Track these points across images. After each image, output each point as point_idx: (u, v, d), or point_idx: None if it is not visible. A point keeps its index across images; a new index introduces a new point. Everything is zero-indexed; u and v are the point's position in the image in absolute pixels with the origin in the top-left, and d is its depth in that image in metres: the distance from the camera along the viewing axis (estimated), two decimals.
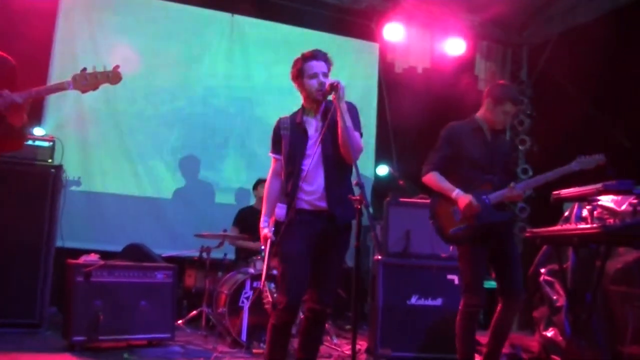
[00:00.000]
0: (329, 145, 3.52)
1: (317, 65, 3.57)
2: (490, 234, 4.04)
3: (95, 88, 3.22)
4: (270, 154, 3.73)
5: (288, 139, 3.61)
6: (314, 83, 3.55)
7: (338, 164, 3.54)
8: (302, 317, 3.64)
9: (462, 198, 3.97)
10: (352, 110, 3.62)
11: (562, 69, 7.56)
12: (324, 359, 4.85)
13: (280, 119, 3.73)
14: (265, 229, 3.57)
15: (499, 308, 4.15)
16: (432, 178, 4.16)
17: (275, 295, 3.22)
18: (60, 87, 3.18)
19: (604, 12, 7.24)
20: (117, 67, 3.24)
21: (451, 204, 4.06)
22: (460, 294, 4.12)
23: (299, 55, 3.70)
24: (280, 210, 3.52)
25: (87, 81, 3.18)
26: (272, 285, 3.28)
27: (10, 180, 5.15)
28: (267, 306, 3.31)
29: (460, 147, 4.13)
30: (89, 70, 3.18)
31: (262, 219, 3.64)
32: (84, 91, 3.21)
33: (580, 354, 4.42)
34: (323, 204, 3.51)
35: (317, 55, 3.60)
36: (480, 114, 4.23)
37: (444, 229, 4.13)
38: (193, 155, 7.45)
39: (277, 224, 3.53)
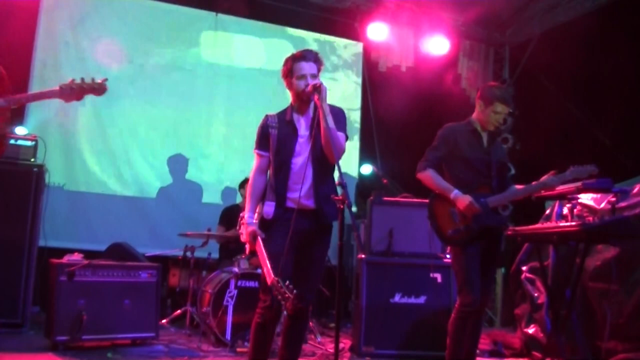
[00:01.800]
0: (318, 145, 3.53)
1: (306, 67, 3.57)
2: (483, 236, 4.04)
3: (79, 98, 3.28)
4: (255, 151, 3.71)
5: (276, 136, 3.61)
6: (301, 84, 3.56)
7: (325, 163, 3.57)
8: (284, 315, 3.64)
9: (461, 199, 3.97)
10: (339, 114, 3.64)
11: (543, 68, 7.65)
12: (307, 357, 4.87)
13: (268, 116, 3.71)
14: (252, 226, 3.55)
15: None
16: (429, 176, 4.14)
17: (285, 290, 3.13)
18: (46, 95, 3.26)
19: (584, 11, 7.33)
20: (104, 79, 3.31)
21: (449, 205, 4.06)
22: (456, 294, 4.10)
23: (284, 53, 3.74)
24: (269, 207, 3.55)
25: (72, 91, 3.25)
26: (287, 282, 3.18)
27: None
28: (286, 304, 3.14)
29: (456, 148, 4.14)
30: (77, 80, 3.23)
31: (246, 215, 3.61)
32: (67, 101, 3.27)
33: (560, 349, 4.47)
34: (310, 203, 3.54)
35: (306, 56, 3.60)
36: (474, 116, 4.25)
37: (443, 229, 4.11)
38: (177, 155, 7.43)
39: (263, 222, 3.55)
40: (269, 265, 3.32)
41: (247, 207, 3.65)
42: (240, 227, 3.71)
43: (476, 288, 3.95)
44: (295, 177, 3.55)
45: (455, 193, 4.01)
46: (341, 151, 3.54)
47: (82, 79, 3.22)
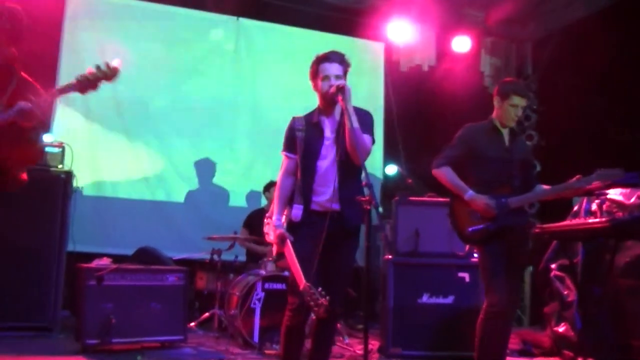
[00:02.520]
0: (343, 147, 3.50)
1: (330, 68, 3.56)
2: (506, 236, 3.96)
3: (95, 88, 3.21)
4: (283, 153, 3.70)
5: (303, 139, 3.60)
6: (325, 85, 3.55)
7: (350, 166, 3.53)
8: (313, 318, 3.63)
9: (477, 201, 3.93)
10: (365, 116, 3.65)
11: (567, 63, 7.56)
12: (336, 359, 4.86)
13: (295, 118, 3.71)
14: (280, 229, 3.54)
15: None
16: (444, 174, 4.11)
17: (318, 296, 3.13)
18: (65, 90, 3.22)
19: (607, 3, 7.23)
20: (119, 62, 3.21)
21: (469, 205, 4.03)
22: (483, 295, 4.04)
23: (306, 56, 3.74)
24: (297, 210, 3.54)
25: (89, 81, 3.18)
26: (320, 288, 3.17)
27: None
28: (319, 310, 3.14)
29: (475, 148, 4.09)
30: (93, 68, 3.17)
31: (274, 217, 3.60)
32: (83, 92, 3.21)
33: (591, 348, 4.42)
34: (335, 206, 3.49)
35: (330, 57, 3.60)
36: (493, 114, 4.19)
37: (462, 228, 4.07)
38: (204, 159, 7.48)
39: (291, 224, 3.55)
40: (299, 270, 3.31)
41: (275, 209, 3.63)
42: (265, 227, 3.71)
43: (501, 287, 3.87)
44: (320, 179, 3.55)
45: (469, 194, 3.97)
46: (366, 152, 3.52)
47: (98, 67, 3.17)
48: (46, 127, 5.62)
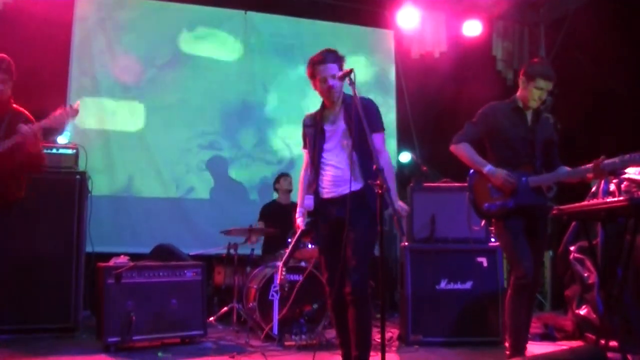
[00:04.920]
0: (349, 135, 3.65)
1: (325, 70, 3.67)
2: (525, 214, 3.96)
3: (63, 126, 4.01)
4: (302, 148, 4.00)
5: (311, 135, 3.87)
6: (324, 87, 3.71)
7: (360, 152, 3.63)
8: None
9: (496, 174, 3.93)
10: (371, 107, 3.73)
11: (581, 45, 7.45)
12: None
13: (306, 115, 3.97)
14: (299, 219, 3.83)
15: None
16: (463, 149, 4.13)
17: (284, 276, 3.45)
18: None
19: None
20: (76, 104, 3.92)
21: (488, 180, 4.02)
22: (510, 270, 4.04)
23: (317, 47, 3.82)
24: (308, 201, 3.80)
25: (56, 119, 3.89)
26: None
27: (36, 188, 5.22)
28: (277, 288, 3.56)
29: (496, 126, 4.08)
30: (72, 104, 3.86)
31: (297, 209, 3.90)
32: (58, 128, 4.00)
33: (614, 330, 4.36)
34: (341, 191, 3.66)
35: (325, 58, 3.69)
36: (518, 94, 4.15)
37: (479, 203, 4.06)
38: (216, 156, 7.51)
39: (309, 214, 3.82)
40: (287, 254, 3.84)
41: (298, 202, 3.93)
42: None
43: (527, 258, 3.85)
44: (329, 168, 3.76)
45: (488, 168, 3.98)
46: (391, 171, 3.78)
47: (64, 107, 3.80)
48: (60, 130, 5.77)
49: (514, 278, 3.91)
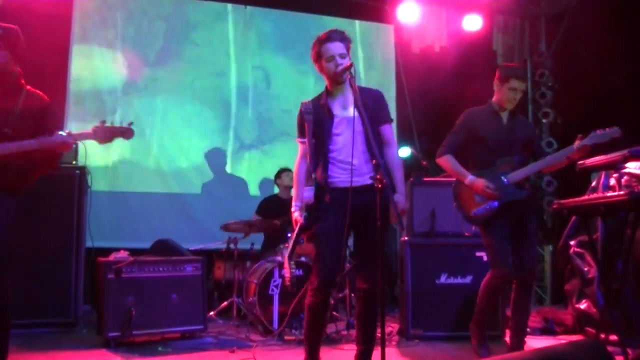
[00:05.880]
0: (359, 122, 3.48)
1: (333, 47, 3.54)
2: (510, 210, 4.16)
3: (110, 141, 3.48)
4: (297, 140, 3.77)
5: (312, 121, 3.63)
6: (331, 66, 3.54)
7: (368, 140, 3.49)
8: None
9: (476, 184, 4.17)
10: (379, 98, 3.71)
11: (581, 39, 7.44)
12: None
13: (303, 103, 3.73)
14: (296, 213, 3.62)
15: (514, 286, 4.26)
16: (446, 161, 4.35)
17: (293, 271, 3.30)
18: (81, 137, 3.51)
19: None
20: (130, 123, 3.48)
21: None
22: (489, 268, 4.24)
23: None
24: (309, 192, 3.60)
25: (104, 135, 3.44)
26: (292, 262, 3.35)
27: (36, 183, 5.19)
28: (287, 283, 3.38)
29: (476, 132, 4.28)
30: (107, 123, 3.44)
31: (293, 203, 3.69)
32: (102, 143, 3.48)
33: (614, 324, 4.36)
34: (361, 180, 3.51)
35: (332, 36, 3.57)
36: (493, 98, 4.36)
37: (467, 210, 4.29)
38: (215, 149, 7.50)
39: (309, 207, 3.59)
40: (289, 248, 3.60)
41: (294, 194, 3.73)
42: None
43: (506, 261, 4.10)
44: (338, 156, 3.56)
45: (470, 178, 4.21)
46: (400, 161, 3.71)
47: (112, 123, 3.46)
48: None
49: (491, 277, 4.21)
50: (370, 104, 3.59)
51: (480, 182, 4.15)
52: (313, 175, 3.62)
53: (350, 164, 3.49)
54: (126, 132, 3.46)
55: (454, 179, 4.43)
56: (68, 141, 3.41)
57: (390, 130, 3.73)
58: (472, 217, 4.26)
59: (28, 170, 3.57)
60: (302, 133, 3.72)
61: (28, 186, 3.70)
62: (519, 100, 4.28)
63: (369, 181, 3.37)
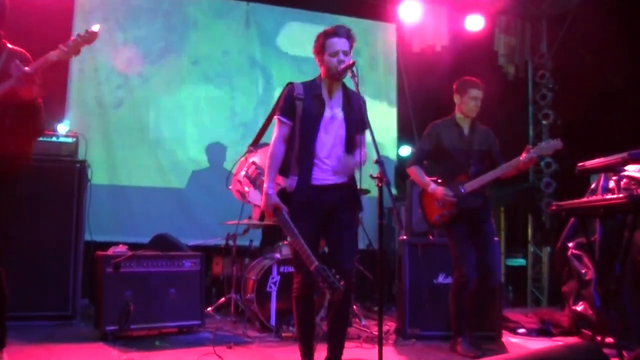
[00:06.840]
0: (347, 124, 3.56)
1: (339, 43, 3.51)
2: (466, 216, 4.55)
3: (77, 52, 3.38)
4: (278, 117, 3.61)
5: (302, 109, 3.54)
6: (333, 61, 3.50)
7: (350, 142, 3.59)
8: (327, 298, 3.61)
9: (436, 192, 4.57)
10: (364, 105, 3.66)
11: (582, 40, 7.44)
12: (352, 340, 4.86)
13: (294, 85, 3.61)
14: (275, 199, 3.46)
15: (475, 285, 4.59)
16: (413, 171, 4.76)
17: (333, 280, 3.12)
18: (51, 59, 3.34)
19: None
20: (95, 27, 3.38)
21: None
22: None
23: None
24: (292, 181, 3.52)
25: (68, 48, 3.34)
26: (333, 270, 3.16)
27: (36, 177, 5.20)
28: (334, 294, 3.13)
29: (439, 142, 4.67)
30: (73, 37, 3.35)
31: (266, 184, 3.50)
32: (67, 58, 3.38)
33: (611, 327, 4.38)
34: (334, 179, 3.54)
35: (339, 32, 3.54)
36: (456, 110, 4.74)
37: (429, 216, 4.71)
38: (214, 144, 7.50)
39: (284, 194, 3.51)
40: (306, 249, 3.28)
41: (267, 176, 3.54)
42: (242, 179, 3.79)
43: (467, 262, 4.51)
44: (323, 154, 3.54)
45: (431, 187, 4.62)
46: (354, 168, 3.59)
47: (78, 34, 3.35)
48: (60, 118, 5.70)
49: (455, 277, 4.60)
50: (356, 107, 3.58)
51: (440, 190, 4.54)
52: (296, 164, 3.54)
53: (330, 163, 3.53)
54: (89, 38, 3.35)
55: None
56: (25, 72, 3.24)
57: (364, 137, 3.69)
58: (433, 222, 4.67)
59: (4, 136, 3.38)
60: (288, 113, 3.58)
61: (23, 162, 3.54)
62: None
63: (344, 179, 3.54)
